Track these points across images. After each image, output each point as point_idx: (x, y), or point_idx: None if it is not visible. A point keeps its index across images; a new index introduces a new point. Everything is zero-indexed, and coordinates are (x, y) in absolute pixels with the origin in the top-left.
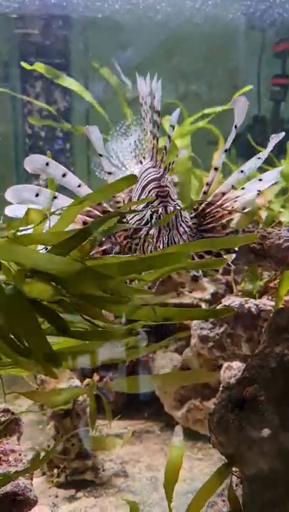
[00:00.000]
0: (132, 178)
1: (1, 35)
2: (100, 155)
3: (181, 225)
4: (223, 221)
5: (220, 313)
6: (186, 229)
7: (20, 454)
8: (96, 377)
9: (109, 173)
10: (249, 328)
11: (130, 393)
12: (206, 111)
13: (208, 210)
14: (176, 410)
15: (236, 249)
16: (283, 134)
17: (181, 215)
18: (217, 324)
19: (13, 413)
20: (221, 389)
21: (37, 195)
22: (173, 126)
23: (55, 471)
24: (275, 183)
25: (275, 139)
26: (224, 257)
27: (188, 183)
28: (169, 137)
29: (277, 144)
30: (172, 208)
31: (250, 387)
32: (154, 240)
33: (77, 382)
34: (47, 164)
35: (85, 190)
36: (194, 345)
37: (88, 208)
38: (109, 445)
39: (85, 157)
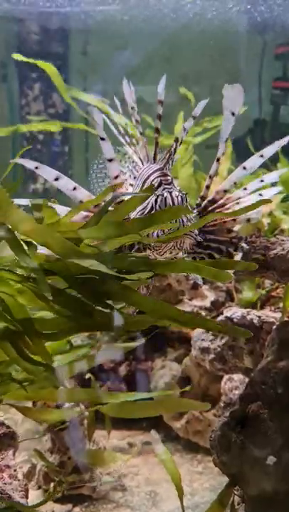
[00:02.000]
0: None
1: None
2: (102, 138)
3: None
4: (228, 225)
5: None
6: (191, 217)
7: (15, 470)
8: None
9: (110, 160)
10: (251, 340)
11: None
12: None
13: (210, 208)
14: (176, 421)
15: (240, 254)
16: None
17: (186, 200)
18: (218, 336)
19: (8, 427)
20: (222, 405)
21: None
22: (185, 129)
23: (51, 485)
24: (274, 183)
25: (281, 142)
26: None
27: (189, 188)
28: (180, 141)
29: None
30: (177, 193)
31: (253, 404)
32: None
33: None
34: (36, 168)
35: (81, 193)
36: (195, 356)
37: (84, 213)
38: (107, 460)
39: (84, 160)
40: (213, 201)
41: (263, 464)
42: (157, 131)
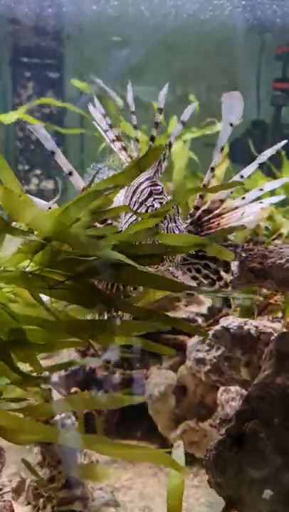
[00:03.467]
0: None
1: None
2: (52, 152)
3: (178, 225)
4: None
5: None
6: (183, 229)
7: (1, 489)
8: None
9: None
10: (248, 351)
11: (124, 411)
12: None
13: (205, 218)
14: (171, 431)
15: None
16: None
17: (178, 212)
18: (214, 346)
19: None
20: (218, 420)
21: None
22: (172, 138)
23: (41, 500)
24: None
25: (278, 145)
26: (222, 274)
27: (183, 191)
28: (170, 145)
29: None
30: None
31: (250, 422)
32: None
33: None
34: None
35: (75, 179)
36: (190, 367)
37: None
38: (100, 475)
39: (79, 161)
40: (209, 211)
41: (261, 486)
42: (152, 139)
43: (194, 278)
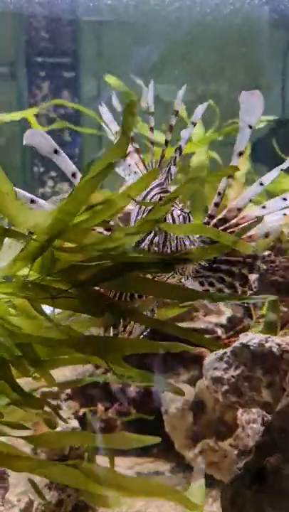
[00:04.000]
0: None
1: (7, 34)
2: (55, 151)
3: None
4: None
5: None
6: (196, 239)
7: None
8: (100, 407)
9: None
10: (270, 371)
11: (140, 425)
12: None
13: (221, 228)
14: (188, 450)
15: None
16: None
17: (190, 220)
18: (232, 364)
19: None
20: (236, 452)
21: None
22: (187, 140)
23: None
24: None
25: None
26: (239, 289)
27: (202, 193)
28: (180, 149)
29: None
30: (179, 212)
31: (272, 456)
32: (160, 247)
33: (74, 423)
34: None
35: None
36: (206, 387)
37: None
38: (112, 502)
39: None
40: (225, 220)
41: None
42: (166, 143)
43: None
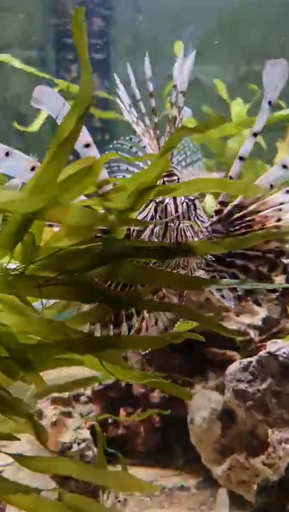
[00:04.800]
0: None
1: (36, 17)
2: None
3: (196, 220)
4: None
5: None
6: (203, 229)
7: None
8: (122, 412)
9: (87, 146)
10: None
11: (165, 432)
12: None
13: (237, 215)
14: (216, 465)
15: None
16: None
17: (195, 208)
18: (258, 376)
19: None
20: (256, 487)
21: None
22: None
23: None
24: None
25: None
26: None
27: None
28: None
29: None
30: (183, 198)
31: None
32: (160, 238)
33: (85, 434)
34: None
35: (93, 152)
36: (229, 400)
37: None
38: None
39: None
40: (241, 207)
41: None
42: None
43: (218, 289)
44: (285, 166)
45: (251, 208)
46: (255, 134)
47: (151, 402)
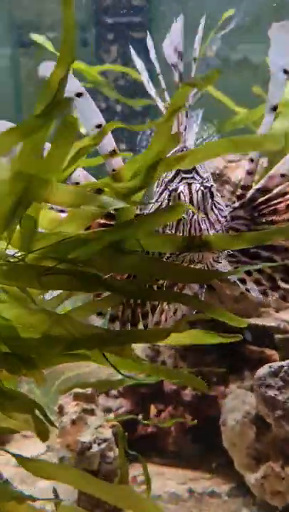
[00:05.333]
0: None
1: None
2: (78, 94)
3: (213, 209)
4: None
5: None
6: (221, 218)
7: None
8: (153, 409)
9: (98, 127)
10: None
11: (197, 431)
12: None
13: (262, 199)
14: (250, 472)
15: None
16: None
17: (212, 196)
18: None
19: None
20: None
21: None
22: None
23: None
24: None
25: None
26: (280, 284)
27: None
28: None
29: None
30: (198, 185)
31: None
32: (173, 230)
33: (107, 433)
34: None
35: (116, 162)
36: (256, 407)
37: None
38: None
39: None
40: (266, 190)
41: None
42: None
43: (242, 281)
44: None
45: (276, 190)
46: (274, 108)
47: (182, 399)
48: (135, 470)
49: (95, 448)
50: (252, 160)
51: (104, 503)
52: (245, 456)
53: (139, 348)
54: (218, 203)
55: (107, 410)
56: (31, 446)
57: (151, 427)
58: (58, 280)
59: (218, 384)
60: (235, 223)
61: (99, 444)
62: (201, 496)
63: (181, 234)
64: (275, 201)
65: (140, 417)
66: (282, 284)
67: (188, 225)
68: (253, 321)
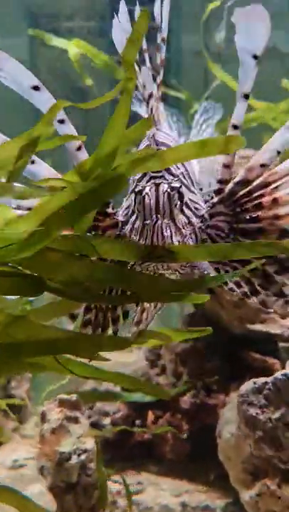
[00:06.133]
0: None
1: None
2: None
3: (184, 211)
4: (281, 221)
5: None
6: (195, 220)
7: None
8: (151, 415)
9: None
10: None
11: (196, 440)
12: None
13: (242, 192)
14: (245, 488)
15: None
16: None
17: (181, 197)
18: (273, 402)
19: None
20: None
21: None
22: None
23: None
24: None
25: None
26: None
27: None
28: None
29: None
30: (166, 186)
31: None
32: (138, 237)
33: (89, 443)
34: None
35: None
36: (238, 427)
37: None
38: None
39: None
40: (246, 182)
41: None
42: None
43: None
44: None
45: (258, 181)
46: (246, 96)
47: (180, 407)
48: (130, 478)
49: (75, 459)
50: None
51: None
52: (241, 471)
53: (141, 351)
54: (194, 201)
55: (104, 414)
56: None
57: (148, 434)
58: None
59: (219, 392)
60: (215, 220)
61: (79, 455)
62: (194, 510)
63: (144, 241)
64: (258, 193)
65: (137, 422)
66: (263, 292)
67: (151, 232)
68: (257, 327)
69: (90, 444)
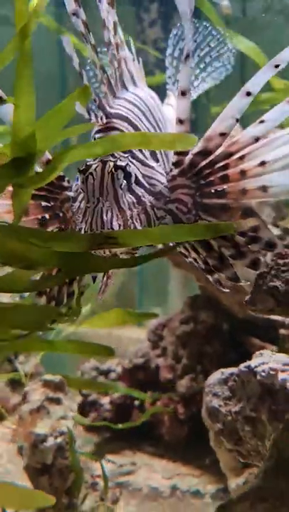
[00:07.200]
0: None
1: None
2: None
3: (133, 190)
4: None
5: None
6: (147, 198)
7: None
8: (148, 398)
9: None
10: (282, 414)
11: (191, 425)
12: None
13: (204, 163)
14: (234, 475)
15: None
16: None
17: (128, 176)
18: (236, 394)
19: None
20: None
21: None
22: None
23: None
24: None
25: None
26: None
27: None
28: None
29: None
30: (111, 165)
31: None
32: (81, 217)
33: (68, 425)
34: None
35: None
36: (202, 415)
37: None
38: None
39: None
40: (207, 153)
41: None
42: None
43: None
44: (248, 93)
45: (219, 151)
46: (183, 93)
47: (176, 390)
48: (125, 458)
49: (51, 441)
50: (180, 121)
51: None
52: (231, 458)
53: (143, 332)
54: (149, 177)
55: (104, 393)
56: None
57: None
58: None
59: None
60: (178, 194)
61: (55, 438)
62: (184, 494)
63: (85, 224)
64: (221, 164)
65: (136, 403)
66: (217, 273)
67: (91, 217)
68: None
69: (69, 425)
